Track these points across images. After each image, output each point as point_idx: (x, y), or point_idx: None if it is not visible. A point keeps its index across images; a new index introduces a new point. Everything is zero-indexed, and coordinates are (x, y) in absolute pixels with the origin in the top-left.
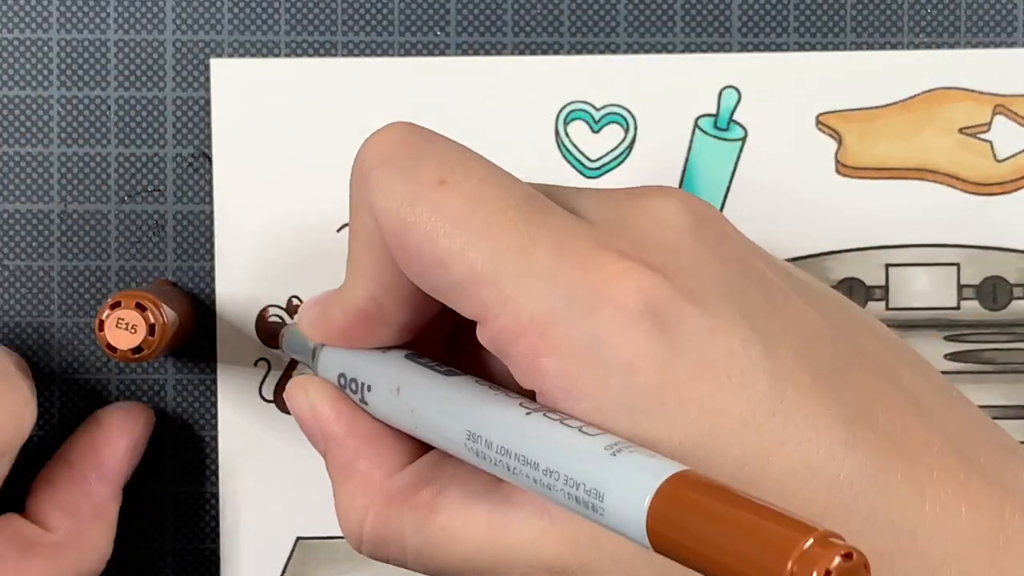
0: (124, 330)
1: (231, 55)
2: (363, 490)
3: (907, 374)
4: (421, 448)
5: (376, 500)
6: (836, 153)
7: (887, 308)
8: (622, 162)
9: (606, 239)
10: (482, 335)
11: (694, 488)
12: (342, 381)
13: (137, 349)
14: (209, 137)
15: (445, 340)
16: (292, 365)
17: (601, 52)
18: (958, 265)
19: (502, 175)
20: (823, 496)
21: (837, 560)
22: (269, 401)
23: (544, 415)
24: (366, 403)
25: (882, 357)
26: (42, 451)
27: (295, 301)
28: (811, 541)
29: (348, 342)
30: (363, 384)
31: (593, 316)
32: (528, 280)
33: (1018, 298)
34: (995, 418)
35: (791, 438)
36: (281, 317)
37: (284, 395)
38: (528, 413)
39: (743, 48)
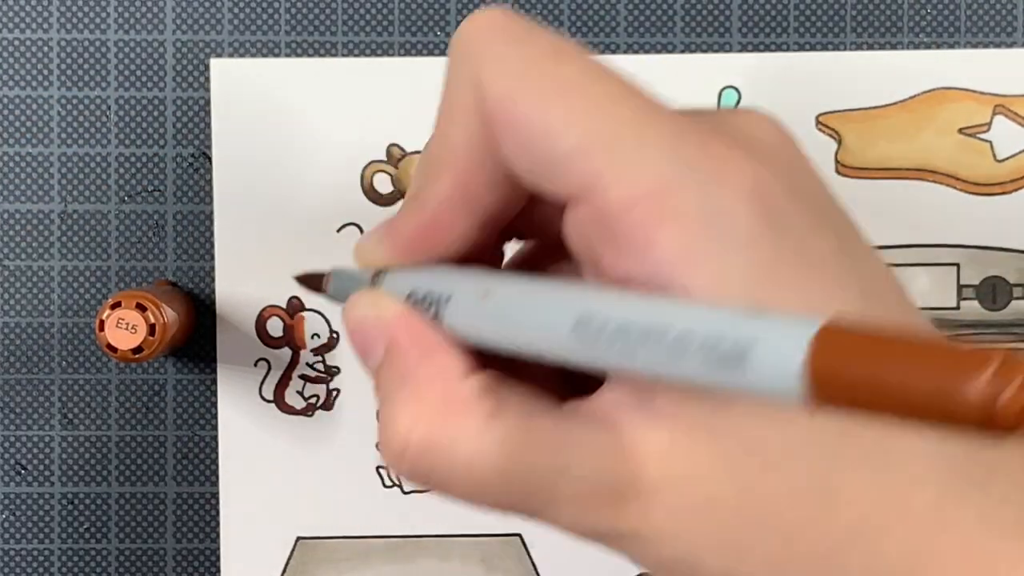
0: (124, 330)
1: (231, 55)
2: (418, 395)
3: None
4: (483, 368)
5: (432, 406)
6: (836, 153)
7: None
8: None
9: (715, 131)
10: (579, 217)
11: (854, 332)
12: (412, 300)
13: (137, 349)
14: (209, 137)
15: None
16: (292, 365)
17: (601, 52)
18: (958, 265)
19: (609, 64)
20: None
21: None
22: (269, 401)
23: (665, 296)
24: (439, 319)
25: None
26: (43, 452)
27: (295, 301)
28: (997, 362)
29: (424, 243)
30: (439, 297)
31: (713, 189)
32: (649, 149)
33: (1018, 298)
34: None
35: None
36: (283, 317)
37: (344, 308)
38: (648, 294)
39: (743, 48)
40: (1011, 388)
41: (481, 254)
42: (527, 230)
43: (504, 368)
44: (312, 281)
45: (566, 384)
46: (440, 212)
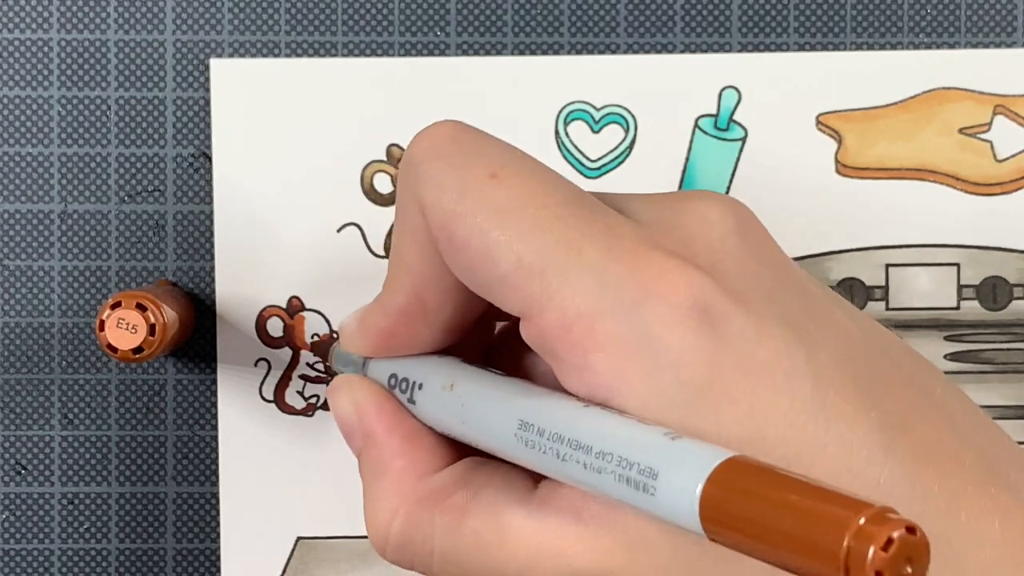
0: (124, 330)
1: (231, 55)
2: (396, 489)
3: (939, 388)
4: (458, 455)
5: (408, 500)
6: (836, 153)
7: (887, 308)
8: (622, 162)
9: (654, 238)
10: (527, 332)
11: (748, 471)
12: (392, 382)
13: (137, 349)
14: (209, 137)
15: (483, 353)
16: (292, 365)
17: (601, 52)
18: (958, 265)
19: (552, 174)
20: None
21: (899, 532)
22: (269, 401)
23: (600, 408)
24: (414, 402)
25: (915, 370)
26: (43, 452)
27: (295, 301)
28: (867, 516)
29: (390, 345)
30: (414, 383)
31: (642, 311)
32: (576, 273)
33: (1018, 298)
34: (995, 418)
35: (833, 441)
36: (283, 317)
37: (326, 391)
38: (585, 405)
39: (743, 48)
40: (871, 549)
41: (470, 338)
42: (504, 316)
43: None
44: (322, 349)
45: None
46: (399, 323)
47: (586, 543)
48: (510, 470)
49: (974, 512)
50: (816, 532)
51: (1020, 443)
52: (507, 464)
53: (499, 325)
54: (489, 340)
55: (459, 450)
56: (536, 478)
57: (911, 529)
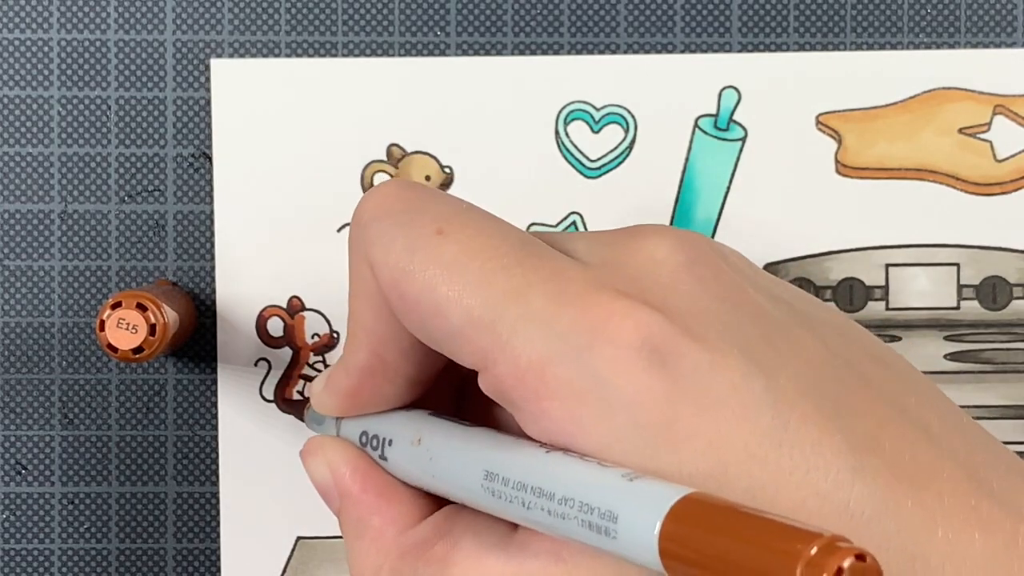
0: (125, 330)
1: (231, 55)
2: (376, 546)
3: (913, 400)
4: (435, 505)
5: (389, 556)
6: (836, 153)
7: (887, 308)
8: (622, 162)
9: (602, 278)
10: (484, 383)
11: (704, 507)
12: (363, 439)
13: (138, 349)
14: (209, 137)
15: (453, 401)
16: (292, 365)
17: (601, 52)
18: (958, 265)
19: (497, 223)
20: (834, 524)
21: (849, 561)
22: (269, 401)
23: (563, 453)
24: (385, 459)
25: (887, 383)
26: (43, 452)
27: (295, 301)
28: (817, 547)
29: (355, 403)
30: (384, 440)
31: (592, 355)
32: (524, 324)
33: (1018, 298)
34: (995, 418)
35: (799, 467)
36: (283, 317)
37: (300, 454)
38: (547, 452)
39: (743, 48)
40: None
41: (438, 387)
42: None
43: None
44: (299, 409)
45: None
46: (362, 381)
47: None
48: (488, 516)
49: (953, 526)
50: (769, 565)
51: (1021, 443)
52: None
53: (466, 371)
54: (457, 387)
55: (436, 500)
56: (514, 523)
57: (861, 556)
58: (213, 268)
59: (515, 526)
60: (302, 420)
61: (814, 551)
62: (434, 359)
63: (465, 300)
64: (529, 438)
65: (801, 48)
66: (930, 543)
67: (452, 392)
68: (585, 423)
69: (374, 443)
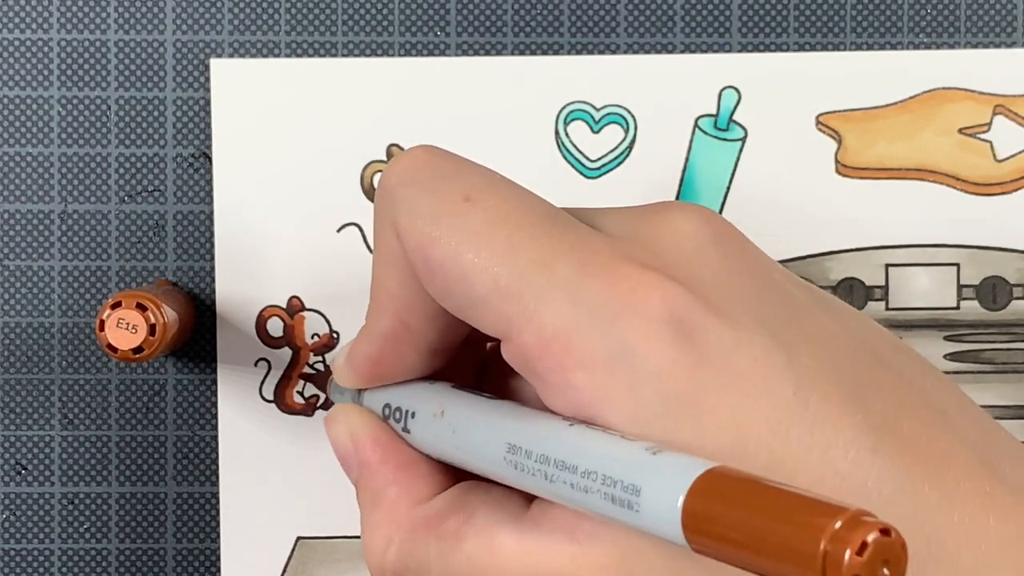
0: (124, 330)
1: (231, 55)
2: (390, 518)
3: (930, 384)
4: (452, 480)
5: (402, 528)
6: (836, 153)
7: (887, 308)
8: (622, 162)
9: (628, 251)
10: (507, 352)
11: (727, 481)
12: (386, 411)
13: (138, 349)
14: (209, 137)
15: (474, 375)
16: (292, 365)
17: (601, 52)
18: (958, 265)
19: (525, 194)
20: (852, 503)
21: (874, 535)
22: (269, 401)
23: (586, 426)
24: (408, 431)
25: (904, 367)
26: (43, 452)
27: (295, 301)
28: (842, 521)
29: (378, 372)
30: (407, 412)
31: (619, 326)
32: (551, 293)
33: (1018, 298)
34: (995, 418)
35: (818, 444)
36: (283, 317)
37: (324, 421)
38: (571, 424)
39: (743, 48)
40: (847, 553)
41: (457, 361)
42: (491, 338)
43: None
44: (321, 383)
45: None
46: (385, 346)
47: (580, 561)
48: (503, 492)
49: (969, 510)
50: (793, 539)
51: (1022, 443)
52: (500, 486)
53: (489, 345)
54: (479, 361)
55: (453, 477)
56: (529, 498)
57: (885, 531)
58: (213, 268)
59: (529, 503)
60: (304, 415)
61: (838, 525)
62: (457, 327)
63: (491, 268)
64: (551, 412)
65: (801, 48)
66: (946, 526)
67: (474, 366)
68: (610, 393)
69: (397, 415)
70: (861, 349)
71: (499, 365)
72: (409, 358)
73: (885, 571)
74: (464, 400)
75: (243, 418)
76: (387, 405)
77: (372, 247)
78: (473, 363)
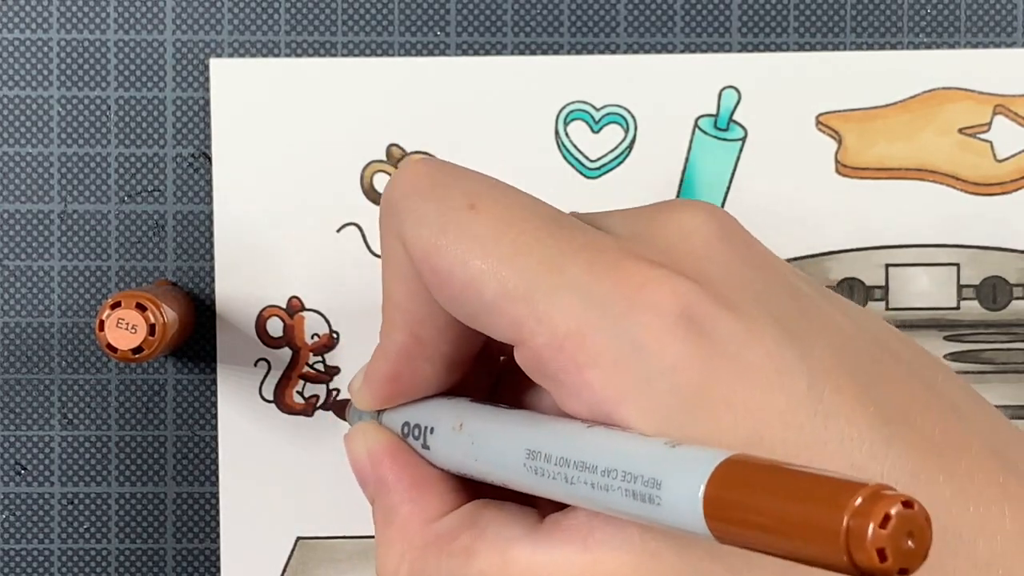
0: (124, 330)
1: (231, 55)
2: (402, 535)
3: (940, 376)
4: (467, 499)
5: (414, 545)
6: (836, 153)
7: (887, 308)
8: (622, 162)
9: (636, 249)
10: (521, 358)
11: (746, 468)
12: (405, 429)
13: (137, 349)
14: (209, 137)
15: (490, 390)
16: (292, 365)
17: (601, 52)
18: (958, 265)
19: (528, 198)
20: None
21: (897, 507)
22: (269, 401)
23: (604, 427)
24: (427, 447)
25: (913, 361)
26: (43, 452)
27: (295, 301)
28: (863, 496)
29: (395, 389)
30: (426, 428)
31: (631, 322)
32: (561, 293)
33: (1018, 298)
34: None
35: (833, 437)
36: (283, 317)
37: (343, 440)
38: (588, 427)
39: (743, 48)
40: (870, 527)
41: (474, 376)
42: (505, 350)
43: (492, 488)
44: (339, 409)
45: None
46: (400, 363)
47: (594, 570)
48: (516, 508)
49: (983, 501)
50: (816, 517)
51: None
52: (514, 502)
53: (502, 359)
54: (494, 376)
55: (469, 495)
56: (542, 514)
57: (908, 503)
58: (213, 268)
59: (541, 519)
60: (304, 415)
61: (859, 500)
62: (471, 337)
63: (499, 272)
64: (568, 416)
65: (801, 48)
66: (962, 517)
67: (489, 382)
68: (625, 390)
69: (416, 432)
70: (871, 342)
71: (514, 378)
72: (425, 373)
73: (910, 543)
74: (482, 412)
75: (243, 418)
76: (406, 424)
77: (379, 254)
78: (488, 379)
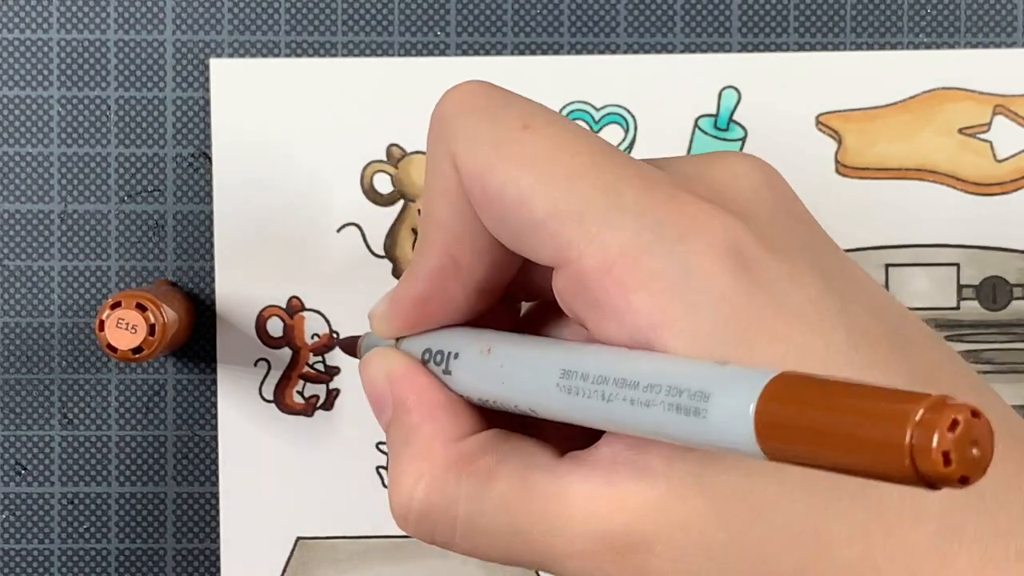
0: (124, 330)
1: (231, 55)
2: (422, 455)
3: (957, 349)
4: (487, 426)
5: (434, 464)
6: (836, 153)
7: None
8: None
9: (687, 185)
10: (561, 282)
11: (801, 383)
12: (426, 356)
13: (137, 349)
14: (209, 137)
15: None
16: (292, 365)
17: (601, 52)
18: (958, 265)
19: (582, 128)
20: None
21: (966, 414)
22: (269, 401)
23: (643, 350)
24: (449, 372)
25: (936, 337)
26: (43, 452)
27: (295, 301)
28: (925, 407)
29: (423, 313)
30: (449, 354)
31: (684, 247)
32: (616, 214)
33: (1018, 298)
34: None
35: None
36: (283, 317)
37: (360, 362)
38: (628, 350)
39: (743, 48)
40: (937, 431)
41: (494, 317)
42: (530, 292)
43: (509, 424)
44: (348, 345)
45: (566, 440)
46: (433, 284)
47: (616, 504)
48: (537, 442)
49: (1006, 468)
50: (876, 431)
51: None
52: (534, 436)
53: (524, 306)
54: (512, 323)
55: (489, 423)
56: (563, 449)
57: (976, 413)
58: (213, 268)
59: (561, 453)
60: (304, 415)
61: (926, 406)
62: (506, 265)
63: (552, 191)
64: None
65: (801, 48)
66: (985, 481)
67: (509, 326)
68: (672, 315)
69: (438, 358)
70: (901, 313)
71: (534, 327)
72: (456, 297)
73: (975, 451)
74: (512, 337)
75: (243, 418)
76: (427, 350)
77: (379, 254)
78: (509, 323)
